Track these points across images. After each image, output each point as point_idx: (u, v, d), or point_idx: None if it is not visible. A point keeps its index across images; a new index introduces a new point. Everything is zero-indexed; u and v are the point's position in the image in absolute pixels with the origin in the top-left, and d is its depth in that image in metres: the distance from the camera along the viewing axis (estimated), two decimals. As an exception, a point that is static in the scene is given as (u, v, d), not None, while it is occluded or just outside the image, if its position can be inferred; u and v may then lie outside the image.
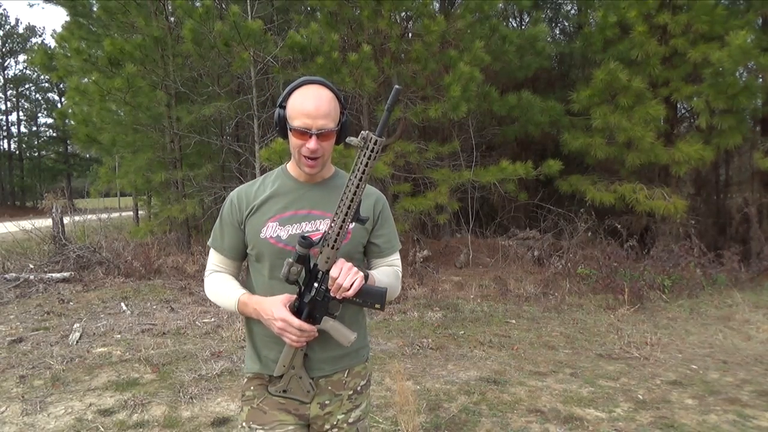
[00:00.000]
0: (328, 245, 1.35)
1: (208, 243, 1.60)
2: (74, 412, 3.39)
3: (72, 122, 9.96)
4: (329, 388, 1.54)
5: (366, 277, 1.38)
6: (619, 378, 4.00)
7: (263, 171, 7.58)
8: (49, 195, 9.17)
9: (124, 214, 16.33)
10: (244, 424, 1.54)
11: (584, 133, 8.01)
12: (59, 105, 31.36)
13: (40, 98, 35.21)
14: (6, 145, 35.40)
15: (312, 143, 1.39)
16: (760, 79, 7.75)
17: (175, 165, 9.51)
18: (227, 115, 8.83)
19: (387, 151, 7.72)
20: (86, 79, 8.53)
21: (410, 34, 8.01)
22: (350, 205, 1.31)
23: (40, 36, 34.73)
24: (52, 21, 67.62)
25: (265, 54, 7.60)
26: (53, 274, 7.25)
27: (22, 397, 3.61)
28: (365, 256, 1.60)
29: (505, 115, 8.60)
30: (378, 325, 5.38)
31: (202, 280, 1.64)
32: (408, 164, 8.24)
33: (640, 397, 3.65)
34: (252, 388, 1.55)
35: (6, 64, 34.38)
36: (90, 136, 9.13)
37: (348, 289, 1.33)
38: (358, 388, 1.59)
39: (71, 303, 6.20)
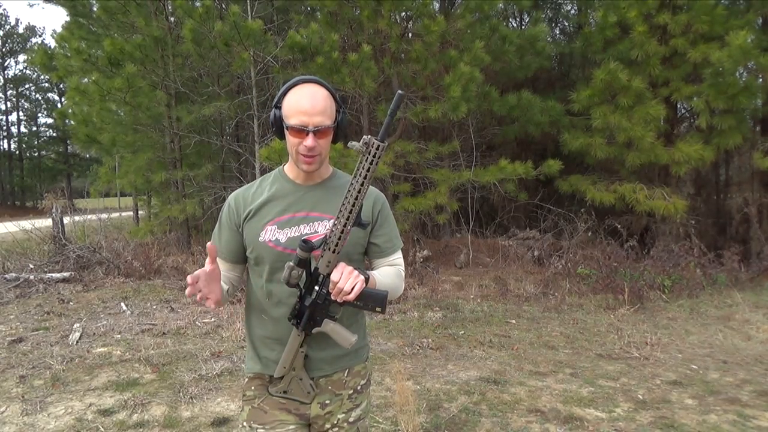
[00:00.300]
0: (329, 249, 1.35)
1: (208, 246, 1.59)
2: (74, 412, 3.39)
3: (72, 122, 9.97)
4: (329, 387, 1.54)
5: (367, 279, 1.38)
6: (619, 378, 4.00)
7: (263, 171, 7.58)
8: (49, 195, 9.17)
9: (124, 214, 16.34)
10: (244, 423, 1.54)
11: (584, 133, 8.01)
12: (59, 105, 31.37)
13: (40, 98, 35.25)
14: (6, 145, 35.48)
15: (309, 140, 1.39)
16: (760, 79, 7.74)
17: (175, 165, 9.51)
18: (227, 115, 8.83)
19: (387, 151, 7.73)
20: (86, 79, 8.53)
21: (410, 34, 8.01)
22: (352, 210, 1.31)
23: (40, 36, 34.82)
24: (52, 21, 67.80)
25: (265, 54, 7.60)
26: (53, 274, 7.26)
27: (22, 397, 3.61)
28: (366, 257, 1.60)
29: (505, 115, 8.60)
30: (378, 325, 5.38)
31: None
32: (408, 164, 8.24)
33: (640, 397, 3.65)
34: (253, 388, 1.55)
35: (6, 64, 34.44)
36: (90, 136, 9.13)
37: (349, 293, 1.32)
38: (358, 388, 1.59)
39: (71, 303, 6.20)
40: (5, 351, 4.55)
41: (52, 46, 15.07)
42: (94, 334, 5.03)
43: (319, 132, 1.39)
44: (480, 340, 4.92)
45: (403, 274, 1.61)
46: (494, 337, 5.04)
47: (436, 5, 8.52)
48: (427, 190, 8.09)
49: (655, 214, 7.63)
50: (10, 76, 34.54)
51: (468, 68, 6.84)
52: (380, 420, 3.27)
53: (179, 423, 3.25)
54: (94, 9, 9.91)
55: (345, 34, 7.85)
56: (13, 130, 35.37)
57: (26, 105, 35.47)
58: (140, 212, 15.26)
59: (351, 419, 1.57)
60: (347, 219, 1.32)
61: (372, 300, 1.39)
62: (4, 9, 48.66)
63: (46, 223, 9.05)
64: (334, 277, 1.34)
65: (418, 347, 4.69)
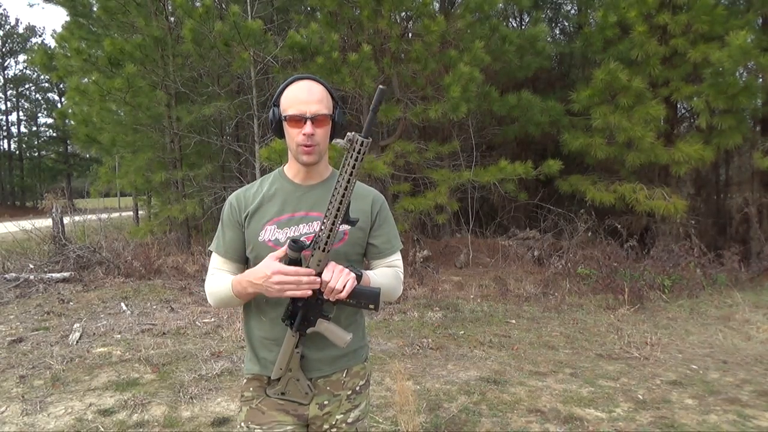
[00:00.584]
0: (318, 248, 1.35)
1: (210, 248, 1.59)
2: (74, 412, 3.39)
3: (72, 122, 9.98)
4: (328, 388, 1.54)
5: (360, 277, 1.38)
6: (619, 378, 4.00)
7: (263, 171, 7.58)
8: (49, 195, 9.17)
9: (124, 214, 16.35)
10: (242, 424, 1.54)
11: (584, 133, 8.01)
12: (59, 105, 31.37)
13: (40, 98, 35.25)
14: (6, 145, 35.49)
15: (307, 127, 1.40)
16: (760, 79, 7.75)
17: (175, 165, 9.51)
18: (227, 115, 8.84)
19: (387, 151, 7.73)
20: (86, 79, 8.54)
21: (410, 34, 8.01)
22: (339, 207, 1.31)
23: (40, 36, 34.83)
24: (52, 21, 67.77)
25: (265, 54, 7.60)
26: (53, 274, 7.26)
27: (22, 397, 3.61)
28: (365, 257, 1.60)
29: (505, 115, 8.60)
30: (378, 325, 5.38)
31: (202, 281, 1.63)
32: (408, 164, 8.24)
33: (640, 397, 3.65)
34: (251, 389, 1.55)
35: (6, 64, 34.45)
36: (90, 136, 9.14)
37: (341, 291, 1.33)
38: (357, 388, 1.59)
39: (71, 303, 6.20)
40: (5, 351, 4.55)
41: (52, 46, 15.08)
42: (94, 334, 5.03)
43: (317, 120, 1.41)
44: (480, 340, 4.92)
45: (402, 275, 1.61)
46: (494, 337, 5.04)
47: (436, 5, 8.52)
48: (427, 190, 8.09)
49: (655, 214, 7.63)
50: (10, 76, 34.58)
51: (468, 68, 6.84)
52: (380, 420, 3.27)
53: (179, 423, 3.25)
54: (94, 9, 9.92)
55: (345, 34, 7.85)
56: (13, 130, 35.45)
57: (26, 105, 35.49)
58: (140, 212, 15.27)
59: (349, 420, 1.56)
60: (335, 217, 1.32)
61: (365, 297, 1.38)
62: (4, 9, 48.77)
63: (46, 223, 9.05)
64: (325, 276, 1.34)
65: (418, 347, 4.69)
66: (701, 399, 3.61)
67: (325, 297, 1.36)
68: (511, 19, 11.58)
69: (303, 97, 1.41)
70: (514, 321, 5.62)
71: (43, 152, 35.28)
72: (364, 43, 6.93)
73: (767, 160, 7.39)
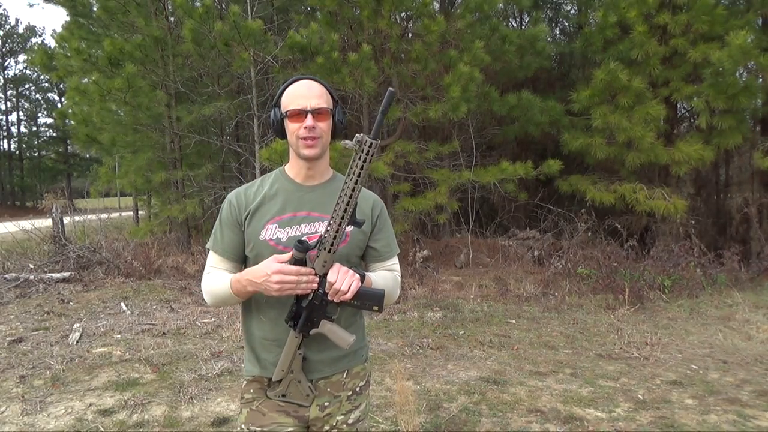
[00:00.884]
0: (324, 249, 1.34)
1: (207, 245, 1.58)
2: (74, 412, 3.39)
3: (72, 122, 9.98)
4: (328, 389, 1.54)
5: (362, 278, 1.38)
6: (619, 378, 4.00)
7: (263, 171, 7.58)
8: (49, 195, 9.19)
9: (124, 214, 16.35)
10: (243, 426, 1.53)
11: (584, 133, 8.01)
12: (59, 105, 31.37)
13: (40, 98, 35.23)
14: (6, 145, 35.45)
15: (309, 120, 1.41)
16: (760, 79, 7.75)
17: (175, 165, 9.51)
18: (227, 115, 8.83)
19: (387, 151, 7.73)
20: (86, 79, 8.53)
21: (410, 34, 8.01)
22: (346, 208, 1.30)
23: (40, 36, 34.77)
24: (52, 21, 67.75)
25: (265, 54, 7.60)
26: (53, 274, 7.26)
27: (22, 397, 3.61)
28: (364, 261, 1.60)
29: (505, 115, 8.60)
30: (378, 325, 5.38)
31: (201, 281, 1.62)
32: (408, 164, 8.25)
33: (640, 397, 3.65)
34: (252, 390, 1.54)
35: (6, 64, 34.41)
36: (90, 136, 9.15)
37: (346, 293, 1.33)
38: (357, 389, 1.59)
39: (71, 303, 6.20)
40: (5, 351, 4.55)
41: (52, 46, 15.06)
42: (94, 334, 5.03)
43: (317, 114, 1.43)
44: (480, 340, 4.92)
45: (399, 280, 1.61)
46: (494, 337, 5.04)
47: (436, 5, 8.51)
48: (427, 190, 8.09)
49: (655, 214, 7.63)
50: (10, 76, 34.55)
51: (468, 68, 6.84)
52: (380, 420, 3.27)
53: (179, 423, 3.25)
54: (94, 9, 9.91)
55: (345, 34, 7.84)
56: (13, 130, 35.40)
57: (26, 105, 35.46)
58: (140, 212, 15.28)
59: (350, 421, 1.56)
60: (342, 218, 1.31)
61: (369, 299, 1.38)
62: (4, 9, 48.76)
63: (46, 223, 9.05)
64: (330, 277, 1.34)
65: (418, 347, 4.69)
66: (701, 399, 3.61)
67: (329, 298, 1.36)
68: (511, 19, 11.58)
69: (303, 92, 1.44)
70: (514, 321, 5.62)
71: (43, 152, 35.26)
72: (364, 43, 6.93)
73: (767, 160, 7.39)
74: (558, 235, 8.70)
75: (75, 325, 5.24)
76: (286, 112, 1.44)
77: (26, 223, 9.32)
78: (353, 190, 1.29)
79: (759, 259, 7.49)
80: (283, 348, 1.45)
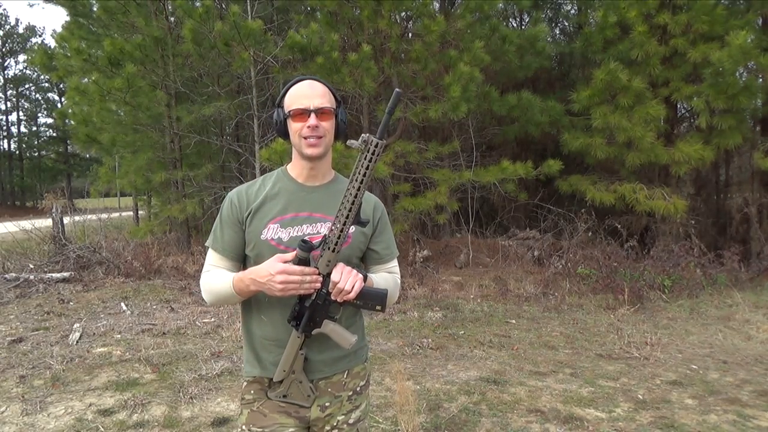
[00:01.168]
0: (329, 248, 1.34)
1: (207, 243, 1.56)
2: (74, 412, 3.39)
3: (72, 122, 9.98)
4: (329, 389, 1.54)
5: (365, 277, 1.38)
6: (619, 378, 4.00)
7: (263, 171, 7.58)
8: (49, 195, 9.18)
9: (124, 214, 16.36)
10: (244, 427, 1.52)
11: (584, 133, 8.01)
12: (59, 105, 31.39)
13: (40, 98, 35.25)
14: (6, 145, 35.48)
15: (312, 119, 1.41)
16: (760, 79, 7.75)
17: (175, 165, 9.51)
18: (227, 115, 8.83)
19: (387, 151, 7.72)
20: (86, 79, 8.54)
21: (410, 34, 8.01)
22: (351, 208, 1.30)
23: (40, 36, 34.80)
24: (52, 21, 67.81)
25: (265, 54, 7.60)
26: (53, 274, 7.26)
27: (22, 397, 3.61)
28: (364, 263, 1.60)
29: (505, 115, 8.60)
30: (378, 325, 5.38)
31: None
32: (408, 164, 8.24)
33: (640, 397, 3.65)
34: (252, 391, 1.53)
35: (6, 64, 34.43)
36: (90, 136, 9.14)
37: (349, 292, 1.33)
38: (358, 389, 1.59)
39: (71, 303, 6.20)
40: (5, 351, 4.55)
41: (52, 46, 15.08)
42: (94, 334, 5.03)
43: (321, 113, 1.43)
44: (480, 340, 4.92)
45: (399, 282, 1.62)
46: (494, 337, 5.04)
47: (436, 5, 8.52)
48: (427, 190, 8.09)
49: (655, 214, 7.63)
50: (10, 76, 34.57)
51: (468, 68, 6.84)
52: (380, 420, 3.27)
53: (179, 423, 3.25)
54: (94, 9, 9.92)
55: (345, 34, 7.84)
56: (13, 130, 35.43)
57: (26, 105, 35.48)
58: (140, 212, 15.28)
59: (351, 421, 1.56)
60: (347, 218, 1.31)
61: (372, 299, 1.39)
62: (4, 9, 48.68)
63: (46, 223, 9.05)
64: (334, 276, 1.34)
65: (418, 347, 4.69)
66: (701, 399, 3.61)
67: (333, 297, 1.36)
68: (511, 19, 11.58)
69: (306, 92, 1.44)
70: (514, 321, 5.62)
71: (43, 152, 35.27)
72: (364, 43, 6.93)
73: (767, 160, 7.39)
74: (558, 235, 8.70)
75: (75, 325, 5.24)
76: (289, 111, 1.44)
77: (26, 223, 9.32)
78: (359, 189, 1.29)
79: (759, 259, 7.50)
80: (283, 348, 1.45)
